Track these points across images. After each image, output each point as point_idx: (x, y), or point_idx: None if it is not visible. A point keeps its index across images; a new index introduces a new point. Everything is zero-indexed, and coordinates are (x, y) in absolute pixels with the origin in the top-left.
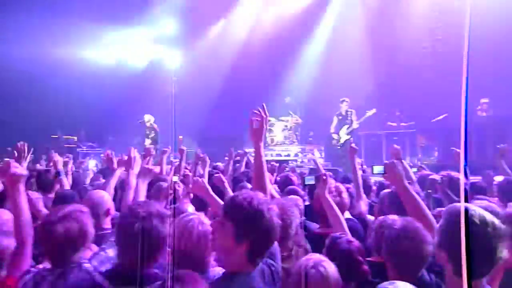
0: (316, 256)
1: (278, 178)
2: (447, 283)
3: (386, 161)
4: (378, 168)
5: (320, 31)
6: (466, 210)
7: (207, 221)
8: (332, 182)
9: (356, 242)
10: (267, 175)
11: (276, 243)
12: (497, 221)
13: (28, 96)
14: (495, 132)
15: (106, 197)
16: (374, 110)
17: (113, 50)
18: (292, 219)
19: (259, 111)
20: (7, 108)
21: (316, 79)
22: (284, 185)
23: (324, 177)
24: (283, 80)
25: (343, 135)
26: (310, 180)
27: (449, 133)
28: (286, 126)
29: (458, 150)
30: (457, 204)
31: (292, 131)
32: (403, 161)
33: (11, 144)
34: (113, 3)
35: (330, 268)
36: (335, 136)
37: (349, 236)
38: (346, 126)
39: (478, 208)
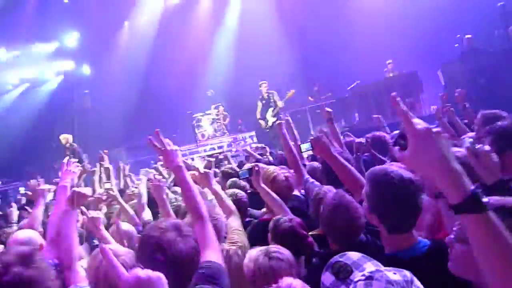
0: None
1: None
2: (384, 241)
3: (311, 137)
4: (305, 146)
5: (228, 19)
6: (386, 172)
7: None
8: (270, 168)
9: (296, 219)
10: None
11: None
12: (412, 176)
13: None
14: (403, 88)
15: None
16: (293, 91)
17: (21, 70)
18: (218, 219)
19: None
20: None
21: (233, 67)
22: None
23: (257, 169)
24: (201, 74)
25: (270, 118)
26: (244, 174)
27: (364, 97)
28: (213, 119)
29: (376, 116)
30: (375, 168)
31: (221, 122)
32: (333, 123)
33: None
34: (8, 23)
35: (282, 249)
36: (261, 121)
37: (290, 215)
38: (271, 109)
39: (395, 167)
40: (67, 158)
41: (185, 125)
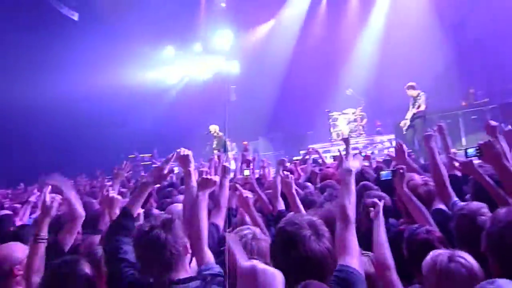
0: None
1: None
2: None
3: (481, 142)
4: (471, 151)
5: (374, 17)
6: None
7: (263, 237)
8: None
9: (436, 232)
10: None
11: None
12: None
13: (105, 121)
14: None
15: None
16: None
17: (175, 68)
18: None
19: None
20: (89, 132)
21: (376, 66)
22: (358, 180)
23: (402, 171)
24: (342, 72)
25: (408, 121)
26: (386, 176)
27: None
28: (350, 119)
29: None
30: None
31: (358, 123)
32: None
33: (96, 166)
34: (167, 24)
35: (469, 257)
36: (402, 123)
37: (432, 227)
38: (411, 110)
39: None
40: (208, 145)
41: (321, 123)
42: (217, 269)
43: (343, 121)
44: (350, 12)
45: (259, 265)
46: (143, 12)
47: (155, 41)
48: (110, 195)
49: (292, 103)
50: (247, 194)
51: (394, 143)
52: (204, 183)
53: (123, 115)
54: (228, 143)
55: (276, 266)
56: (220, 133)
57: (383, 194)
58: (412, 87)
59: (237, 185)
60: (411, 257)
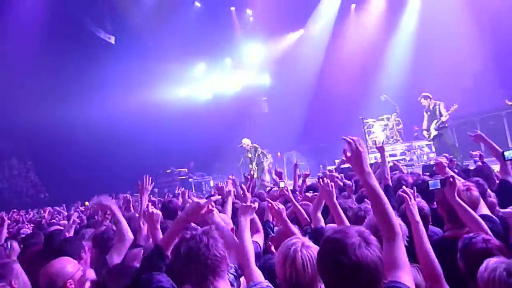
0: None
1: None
2: None
3: None
4: (510, 153)
5: (405, 19)
6: None
7: (312, 244)
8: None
9: (494, 240)
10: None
11: None
12: None
13: (143, 138)
14: None
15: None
16: (456, 106)
17: (206, 84)
18: None
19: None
20: (128, 150)
21: (410, 69)
22: (396, 188)
23: (452, 180)
24: (375, 78)
25: (433, 131)
26: (435, 185)
27: None
28: (386, 125)
29: None
30: None
31: (394, 129)
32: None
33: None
34: (198, 40)
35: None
36: (425, 132)
37: (488, 234)
38: (435, 121)
39: None
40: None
41: (356, 131)
42: (265, 284)
43: (379, 128)
44: (379, 16)
45: None
46: (174, 30)
47: (186, 58)
48: (150, 210)
49: (325, 111)
50: (279, 205)
51: (433, 148)
52: (244, 210)
53: (157, 132)
54: (261, 154)
55: (324, 277)
56: (255, 144)
57: (423, 205)
58: (428, 97)
59: (268, 199)
60: (468, 268)
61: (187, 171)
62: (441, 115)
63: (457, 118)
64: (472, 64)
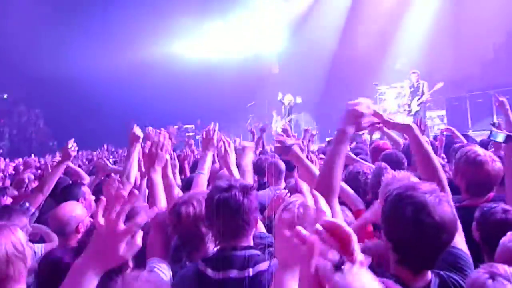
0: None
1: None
2: None
3: None
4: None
5: None
6: None
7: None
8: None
9: None
10: None
11: None
12: None
13: (153, 92)
14: None
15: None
16: (441, 84)
17: (219, 42)
18: None
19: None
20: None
21: (428, 37)
22: None
23: None
24: (392, 44)
25: (414, 106)
26: (495, 136)
27: None
28: (399, 93)
29: None
30: None
31: (407, 98)
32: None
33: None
34: None
35: None
36: (406, 107)
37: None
38: (417, 98)
39: None
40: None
41: (369, 97)
42: (269, 239)
43: (391, 96)
44: None
45: None
46: None
47: (199, 15)
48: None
49: (340, 79)
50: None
51: (445, 120)
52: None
53: (168, 88)
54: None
55: (393, 235)
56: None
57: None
58: (417, 74)
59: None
60: (484, 239)
61: (194, 127)
62: (423, 93)
63: (473, 90)
64: (493, 36)
